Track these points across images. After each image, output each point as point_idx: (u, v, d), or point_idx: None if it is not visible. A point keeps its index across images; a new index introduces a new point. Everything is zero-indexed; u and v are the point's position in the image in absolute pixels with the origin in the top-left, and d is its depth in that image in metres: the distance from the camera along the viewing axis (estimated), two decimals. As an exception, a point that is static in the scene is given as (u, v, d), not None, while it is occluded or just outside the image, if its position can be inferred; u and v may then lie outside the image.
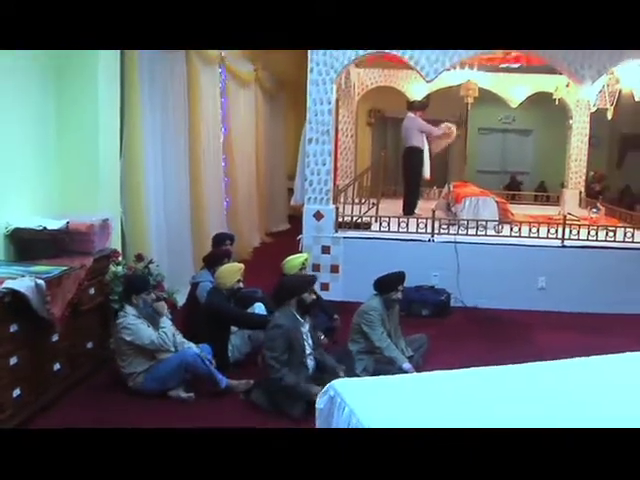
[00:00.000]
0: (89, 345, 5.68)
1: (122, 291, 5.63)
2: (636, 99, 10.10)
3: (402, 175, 10.71)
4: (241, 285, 6.20)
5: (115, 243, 6.32)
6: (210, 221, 8.96)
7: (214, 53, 9.14)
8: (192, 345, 5.58)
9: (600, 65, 8.26)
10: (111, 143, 6.45)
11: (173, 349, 5.43)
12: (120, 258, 6.16)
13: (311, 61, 8.24)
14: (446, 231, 8.71)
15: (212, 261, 6.69)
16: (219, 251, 7.01)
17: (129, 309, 5.40)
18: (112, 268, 5.88)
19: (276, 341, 5.11)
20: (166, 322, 5.51)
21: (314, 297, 5.55)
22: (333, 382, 3.90)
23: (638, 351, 4.62)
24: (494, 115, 17.59)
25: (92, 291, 5.63)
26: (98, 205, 6.15)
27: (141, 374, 5.37)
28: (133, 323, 5.33)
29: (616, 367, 4.34)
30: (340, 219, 8.61)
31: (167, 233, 7.76)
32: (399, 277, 5.91)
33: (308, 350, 5.31)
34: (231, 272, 6.15)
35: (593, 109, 11.88)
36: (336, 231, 8.48)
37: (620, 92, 10.74)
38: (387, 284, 5.82)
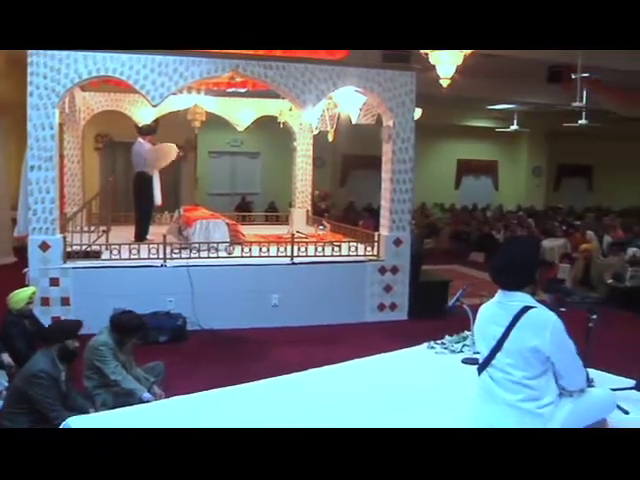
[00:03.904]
0: None
1: None
2: (353, 122, 10.78)
3: (133, 201, 10.54)
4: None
5: None
6: None
7: None
8: None
9: (319, 90, 8.74)
10: None
11: None
12: None
13: (30, 84, 7.87)
14: (178, 255, 8.72)
15: None
16: None
17: None
18: None
19: (50, 389, 4.84)
20: None
21: (77, 345, 5.29)
22: (68, 419, 3.75)
23: (364, 357, 4.95)
24: (223, 138, 17.93)
25: None
26: None
27: None
28: None
29: (347, 374, 4.62)
30: (69, 249, 8.29)
31: None
32: (140, 326, 5.70)
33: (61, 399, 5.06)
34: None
35: (315, 132, 12.47)
36: (64, 262, 8.14)
37: (339, 116, 11.40)
38: (125, 328, 5.57)
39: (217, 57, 8.30)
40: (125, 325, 5.59)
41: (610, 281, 10.78)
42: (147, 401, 5.21)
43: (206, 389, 4.29)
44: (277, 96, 10.37)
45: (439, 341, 5.24)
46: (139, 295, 7.88)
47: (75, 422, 3.70)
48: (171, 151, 10.54)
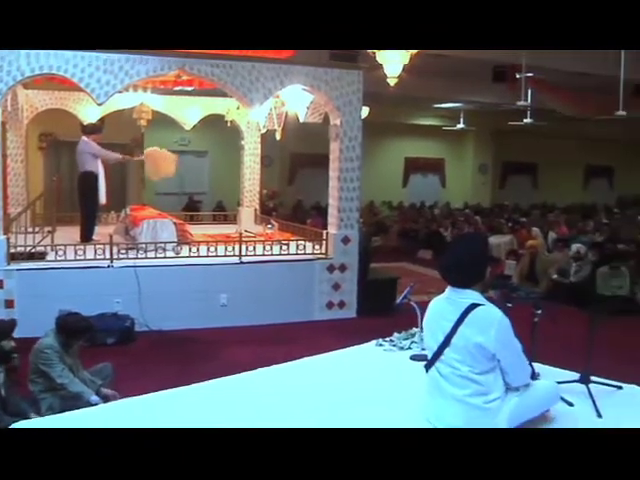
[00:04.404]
0: None
1: None
2: (300, 121, 10.79)
3: (78, 201, 10.37)
4: None
5: None
6: None
7: None
8: None
9: (266, 89, 8.72)
10: None
11: None
12: None
13: (-29, 82, 7.70)
14: (125, 255, 8.62)
15: None
16: None
17: None
18: None
19: None
20: None
21: (13, 345, 5.18)
22: (12, 425, 3.67)
23: (313, 355, 4.96)
24: (170, 137, 17.71)
25: None
26: None
27: None
28: None
29: (296, 373, 4.62)
30: (13, 250, 8.14)
31: None
32: (86, 328, 5.60)
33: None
34: None
35: (263, 130, 12.46)
36: (8, 263, 7.99)
37: (286, 114, 11.39)
38: (71, 331, 5.47)
39: (163, 55, 8.22)
40: (71, 327, 5.50)
41: (555, 276, 10.99)
42: (95, 404, 5.14)
43: (156, 390, 4.24)
44: (224, 94, 10.32)
45: (387, 338, 5.26)
46: (85, 296, 7.77)
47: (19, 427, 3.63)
48: (169, 160, 10.60)
